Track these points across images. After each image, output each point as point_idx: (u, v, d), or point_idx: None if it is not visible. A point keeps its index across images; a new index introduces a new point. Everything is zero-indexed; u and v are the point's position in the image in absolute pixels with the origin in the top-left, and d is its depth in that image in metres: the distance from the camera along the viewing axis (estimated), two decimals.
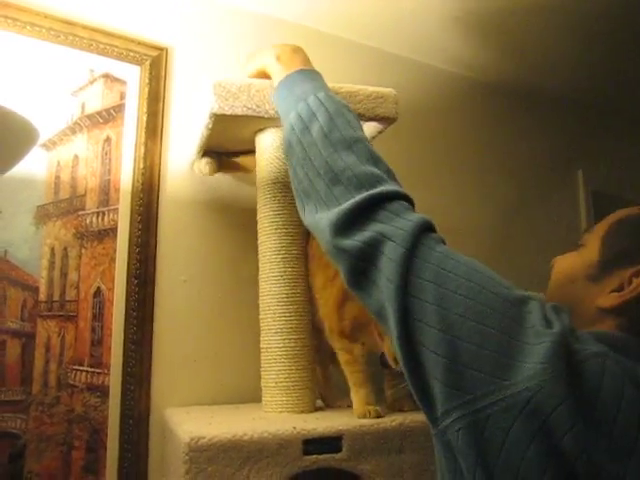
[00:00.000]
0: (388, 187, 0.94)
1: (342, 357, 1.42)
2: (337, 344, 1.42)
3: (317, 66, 1.73)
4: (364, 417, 1.31)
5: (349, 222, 0.90)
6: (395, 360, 1.27)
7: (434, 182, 2.18)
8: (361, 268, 0.88)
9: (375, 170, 0.97)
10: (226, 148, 1.62)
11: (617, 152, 2.86)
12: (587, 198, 2.65)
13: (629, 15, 1.97)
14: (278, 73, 1.18)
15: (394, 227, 0.87)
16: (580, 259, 1.03)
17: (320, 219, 0.96)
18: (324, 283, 1.44)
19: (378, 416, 1.30)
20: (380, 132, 1.47)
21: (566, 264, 1.08)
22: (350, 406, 1.40)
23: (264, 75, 1.27)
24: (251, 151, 1.52)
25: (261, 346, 1.40)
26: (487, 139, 2.39)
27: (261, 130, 1.46)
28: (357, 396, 1.38)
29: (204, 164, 1.58)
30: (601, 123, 2.82)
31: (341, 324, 1.40)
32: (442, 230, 1.74)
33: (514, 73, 2.37)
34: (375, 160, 1.00)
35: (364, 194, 0.92)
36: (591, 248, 1.01)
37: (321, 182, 0.97)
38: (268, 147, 1.44)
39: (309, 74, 1.15)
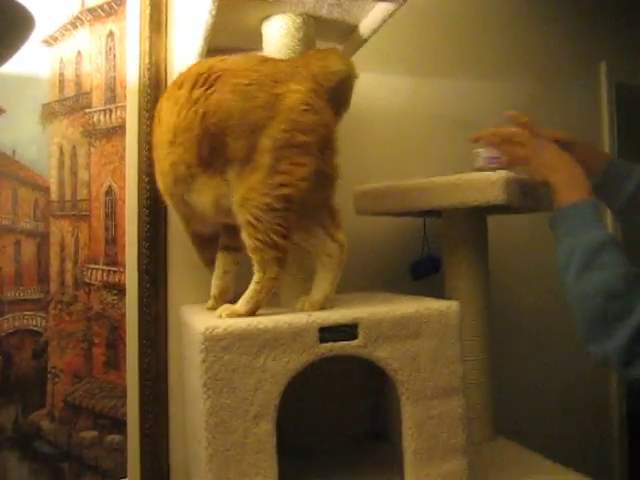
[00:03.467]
0: None
1: None
2: None
3: None
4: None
5: None
6: None
7: (450, 72, 2.11)
8: None
9: None
10: (232, 43, 1.57)
11: None
12: (610, 90, 2.57)
13: None
14: (561, 195, 1.35)
15: None
16: None
17: None
18: None
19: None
20: (391, 14, 1.40)
21: None
22: None
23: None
24: None
25: None
26: (507, 30, 2.29)
27: (267, 17, 1.40)
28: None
29: None
30: (626, 12, 2.69)
31: None
32: (459, 124, 1.71)
33: None
34: None
35: None
36: None
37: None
38: (275, 34, 1.38)
39: (583, 211, 1.30)
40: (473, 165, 1.56)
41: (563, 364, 2.32)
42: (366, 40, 1.54)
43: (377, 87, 1.61)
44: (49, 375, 1.42)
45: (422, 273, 1.83)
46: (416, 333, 1.25)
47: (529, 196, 1.51)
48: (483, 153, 1.56)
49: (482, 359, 1.64)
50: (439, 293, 1.61)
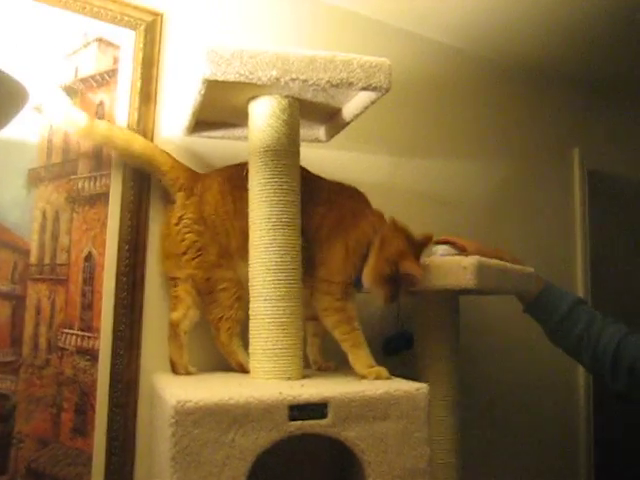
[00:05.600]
0: None
1: (330, 320, 1.46)
2: (322, 304, 1.48)
3: (311, 35, 1.74)
4: (376, 378, 1.38)
5: None
6: (373, 274, 1.45)
7: (429, 154, 2.18)
8: None
9: None
10: (218, 119, 1.62)
11: (614, 131, 2.85)
12: (582, 176, 2.65)
13: None
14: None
15: None
16: None
17: None
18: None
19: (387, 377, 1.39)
20: (373, 102, 1.46)
21: None
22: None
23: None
24: None
25: (250, 313, 1.41)
26: (484, 114, 2.38)
27: (254, 98, 1.45)
28: (360, 358, 1.43)
29: None
30: (599, 101, 2.80)
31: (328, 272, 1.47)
32: (436, 202, 1.77)
33: (513, 48, 2.35)
34: None
35: None
36: None
37: None
38: (260, 115, 1.43)
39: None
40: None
41: (533, 444, 2.34)
42: (348, 123, 1.60)
43: (358, 165, 1.67)
44: (14, 440, 1.41)
45: (394, 349, 1.85)
46: (385, 414, 1.27)
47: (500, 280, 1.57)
48: (439, 250, 1.70)
49: (451, 439, 1.65)
50: (411, 370, 1.64)
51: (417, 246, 1.48)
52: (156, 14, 1.66)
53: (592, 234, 2.67)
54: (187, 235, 1.52)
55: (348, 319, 1.44)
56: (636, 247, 2.93)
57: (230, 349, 1.52)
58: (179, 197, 1.54)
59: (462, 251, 1.65)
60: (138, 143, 1.54)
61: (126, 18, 1.61)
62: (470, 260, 1.48)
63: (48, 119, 1.48)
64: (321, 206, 1.51)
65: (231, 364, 1.53)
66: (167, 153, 1.57)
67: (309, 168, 1.56)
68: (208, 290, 1.52)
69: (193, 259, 1.51)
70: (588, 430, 2.57)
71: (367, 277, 1.44)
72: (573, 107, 2.71)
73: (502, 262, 1.59)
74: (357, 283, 1.47)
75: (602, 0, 2.01)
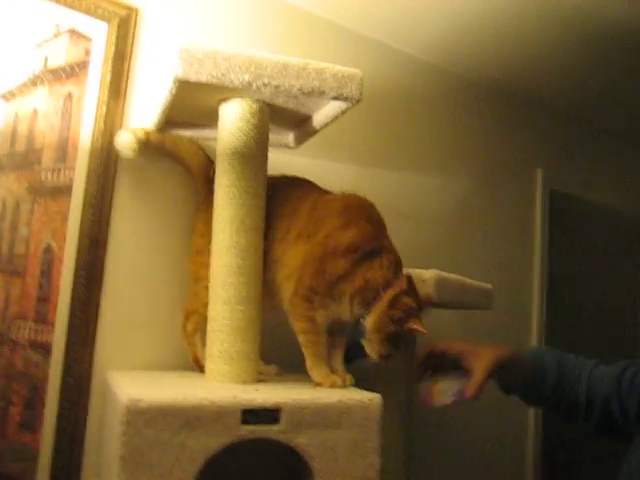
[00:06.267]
0: None
1: (300, 325, 1.44)
2: (297, 309, 1.44)
3: (285, 39, 1.74)
4: (331, 386, 1.39)
5: None
6: (376, 328, 1.38)
7: (393, 166, 2.19)
8: None
9: None
10: (188, 119, 1.61)
11: (577, 152, 2.92)
12: (544, 196, 2.70)
13: (594, 19, 2.00)
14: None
15: None
16: None
17: None
18: (295, 238, 1.48)
19: (347, 385, 1.42)
20: (343, 112, 1.47)
21: None
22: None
23: None
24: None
25: (208, 314, 1.41)
26: (450, 130, 2.41)
27: (225, 100, 1.45)
28: (317, 367, 1.42)
29: (126, 142, 1.54)
30: (563, 124, 2.86)
31: (315, 280, 1.41)
32: (397, 214, 1.78)
33: (482, 67, 2.38)
34: None
35: None
36: None
37: None
38: (230, 117, 1.43)
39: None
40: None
41: (482, 461, 2.36)
42: (317, 131, 1.61)
43: (323, 173, 1.67)
44: None
45: (349, 358, 1.85)
46: (337, 423, 1.27)
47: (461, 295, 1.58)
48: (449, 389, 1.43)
49: (401, 450, 1.66)
50: (366, 378, 1.64)
51: (422, 305, 1.45)
52: (131, 8, 1.64)
53: (551, 253, 2.72)
54: (198, 236, 1.59)
55: (316, 328, 1.43)
56: (594, 267, 2.99)
57: (192, 340, 1.55)
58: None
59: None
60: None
61: (100, 10, 1.59)
62: (430, 273, 1.49)
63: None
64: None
65: (189, 356, 1.55)
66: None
67: (275, 173, 1.57)
68: (194, 283, 1.56)
69: (193, 256, 1.59)
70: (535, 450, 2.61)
71: (370, 326, 1.39)
72: (537, 128, 2.76)
73: (461, 277, 1.61)
74: (359, 330, 1.42)
75: (570, 27, 2.05)
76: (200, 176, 1.64)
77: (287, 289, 1.47)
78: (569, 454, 2.73)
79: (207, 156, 1.64)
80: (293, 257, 1.47)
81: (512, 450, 2.54)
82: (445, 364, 1.41)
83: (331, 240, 1.43)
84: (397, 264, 1.44)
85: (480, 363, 1.34)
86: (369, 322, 1.39)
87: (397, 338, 1.39)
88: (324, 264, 1.41)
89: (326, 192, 1.58)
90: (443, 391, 1.39)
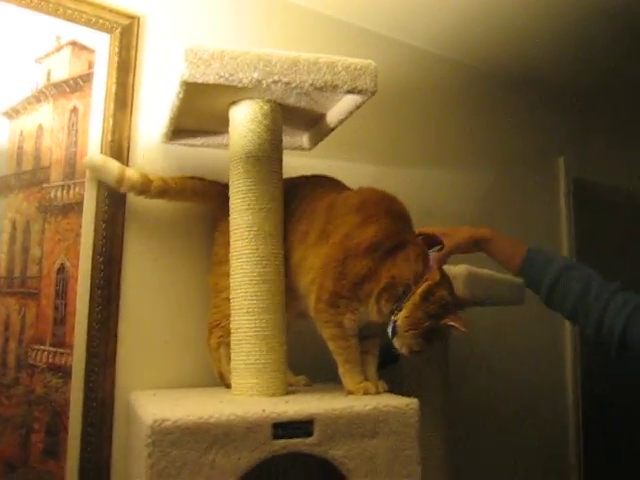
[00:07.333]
0: None
1: (328, 331, 1.37)
2: (324, 316, 1.37)
3: (295, 41, 1.69)
4: (364, 394, 1.32)
5: None
6: (410, 323, 1.30)
7: (413, 163, 2.15)
8: None
9: None
10: (197, 126, 1.57)
11: (599, 139, 2.85)
12: (568, 185, 2.64)
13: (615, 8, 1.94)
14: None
15: None
16: None
17: None
18: (316, 239, 1.41)
19: (381, 391, 1.35)
20: (358, 106, 1.41)
21: None
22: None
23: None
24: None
25: (231, 327, 1.35)
26: (468, 123, 2.36)
27: (235, 102, 1.40)
28: (350, 374, 1.36)
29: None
30: (585, 111, 2.80)
31: (339, 284, 1.34)
32: (419, 212, 1.73)
33: (498, 58, 2.33)
34: None
35: None
36: None
37: None
38: (241, 120, 1.38)
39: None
40: None
41: (527, 458, 2.29)
42: (332, 129, 1.55)
43: (341, 174, 1.61)
44: None
45: (380, 364, 1.79)
46: (373, 431, 1.21)
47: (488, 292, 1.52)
48: None
49: (441, 457, 1.59)
50: (397, 384, 1.58)
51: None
52: (132, 17, 1.60)
53: (577, 241, 2.66)
54: (217, 246, 1.55)
55: (345, 333, 1.37)
56: (621, 254, 2.92)
57: (216, 355, 1.49)
58: None
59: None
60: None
61: (101, 21, 1.55)
62: (460, 269, 1.43)
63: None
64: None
65: (213, 371, 1.50)
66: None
67: (292, 176, 1.52)
68: (214, 295, 1.51)
69: (213, 267, 1.54)
70: (577, 437, 2.54)
71: (403, 322, 1.32)
72: (557, 116, 2.70)
73: (492, 272, 1.54)
74: (392, 331, 1.34)
75: (589, 11, 1.99)
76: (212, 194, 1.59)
77: (313, 294, 1.40)
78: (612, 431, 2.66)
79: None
80: (314, 259, 1.40)
81: (553, 438, 2.46)
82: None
83: (350, 240, 1.36)
84: (424, 256, 1.38)
85: (451, 239, 1.52)
86: (401, 318, 1.31)
87: (432, 334, 1.32)
88: (345, 266, 1.34)
89: (344, 189, 1.52)
90: None
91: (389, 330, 1.33)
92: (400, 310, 1.32)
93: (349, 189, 1.52)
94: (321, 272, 1.37)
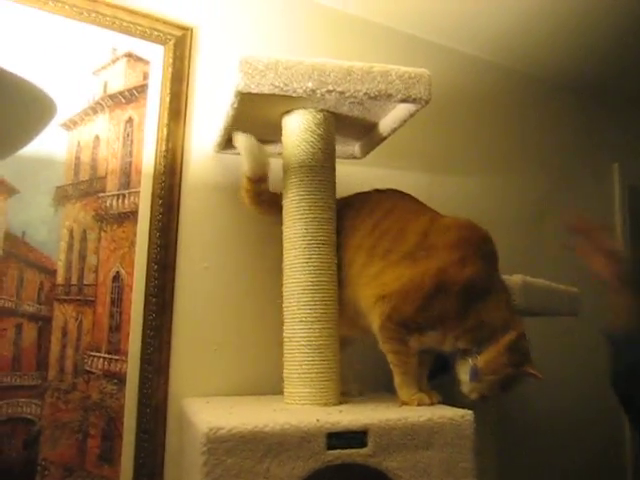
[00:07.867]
0: None
1: (391, 347, 1.37)
2: (390, 333, 1.36)
3: (347, 50, 1.69)
4: (419, 404, 1.32)
5: None
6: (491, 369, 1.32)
7: (465, 171, 2.13)
8: None
9: None
10: (251, 134, 1.57)
11: None
12: (622, 192, 2.58)
13: None
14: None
15: None
16: None
17: None
18: (400, 258, 1.39)
19: (435, 402, 1.34)
20: (412, 115, 1.41)
21: None
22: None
23: None
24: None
25: (284, 335, 1.35)
26: (520, 129, 2.33)
27: (288, 112, 1.41)
28: (406, 386, 1.36)
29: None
30: (638, 114, 2.72)
31: (419, 314, 1.34)
32: (473, 219, 1.71)
33: (549, 63, 2.30)
34: None
35: None
36: None
37: None
38: (295, 129, 1.39)
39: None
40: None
41: (580, 474, 2.24)
42: (385, 138, 1.54)
43: (393, 182, 1.61)
44: (39, 467, 1.35)
45: (432, 375, 1.77)
46: (428, 443, 1.19)
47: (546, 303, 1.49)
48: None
49: (494, 469, 1.57)
50: (449, 396, 1.56)
51: None
52: (186, 29, 1.62)
53: (633, 250, 2.59)
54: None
55: (408, 351, 1.36)
56: None
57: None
58: None
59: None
60: None
61: (155, 33, 1.58)
62: (516, 279, 1.41)
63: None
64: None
65: None
66: None
67: (344, 185, 1.51)
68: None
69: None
70: (635, 456, 2.47)
71: (484, 367, 1.33)
72: (611, 122, 2.64)
73: (547, 282, 1.51)
74: (473, 375, 1.34)
75: None
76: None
77: (381, 309, 1.38)
78: None
79: None
80: (394, 278, 1.38)
81: (606, 449, 2.40)
82: None
83: (445, 275, 1.34)
84: (510, 303, 1.39)
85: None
86: (482, 362, 1.32)
87: (510, 380, 1.34)
88: (433, 299, 1.34)
89: (437, 214, 1.50)
90: None
91: (469, 373, 1.34)
92: (479, 353, 1.33)
93: (440, 215, 1.50)
94: (401, 295, 1.35)
